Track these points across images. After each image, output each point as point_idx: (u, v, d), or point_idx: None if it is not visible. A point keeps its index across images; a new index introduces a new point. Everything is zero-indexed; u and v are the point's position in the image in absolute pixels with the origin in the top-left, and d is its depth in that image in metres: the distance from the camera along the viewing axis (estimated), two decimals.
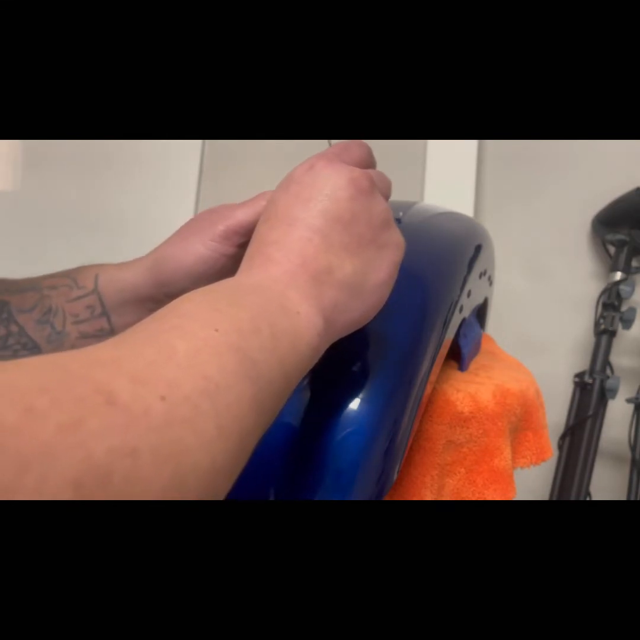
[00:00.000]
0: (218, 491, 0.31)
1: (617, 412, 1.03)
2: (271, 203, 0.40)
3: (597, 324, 1.00)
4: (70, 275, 0.53)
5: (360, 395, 0.52)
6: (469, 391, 0.63)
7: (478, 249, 0.69)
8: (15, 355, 0.68)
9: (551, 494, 0.98)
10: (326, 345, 0.40)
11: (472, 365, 0.73)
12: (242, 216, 0.48)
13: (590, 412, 0.95)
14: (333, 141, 0.55)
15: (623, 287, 0.98)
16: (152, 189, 1.62)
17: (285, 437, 0.52)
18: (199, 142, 1.48)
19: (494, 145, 1.18)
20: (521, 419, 0.68)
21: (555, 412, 1.00)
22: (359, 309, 0.40)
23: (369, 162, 0.47)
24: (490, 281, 0.81)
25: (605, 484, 1.08)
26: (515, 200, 1.17)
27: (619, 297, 0.99)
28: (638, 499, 0.95)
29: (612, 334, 0.98)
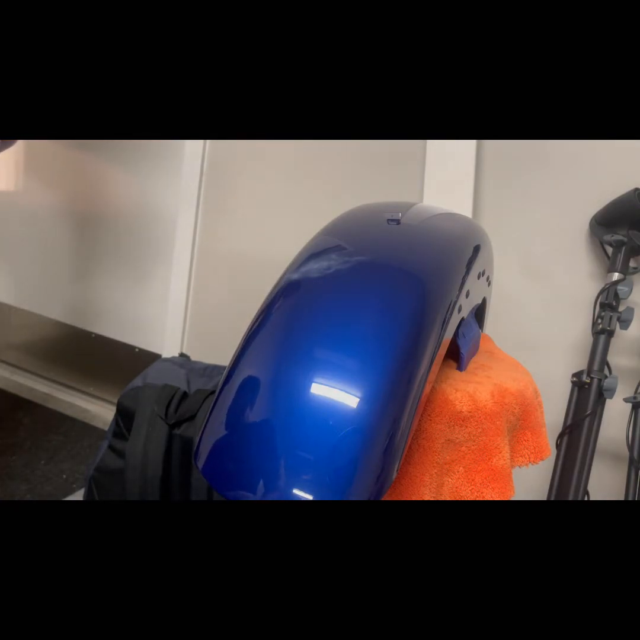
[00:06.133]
0: None
1: (615, 411, 1.04)
2: None
3: (594, 324, 1.01)
4: None
5: (360, 394, 0.53)
6: (467, 390, 0.64)
7: (476, 249, 0.70)
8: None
9: (549, 493, 0.98)
10: None
11: (471, 365, 0.73)
12: None
13: (588, 412, 0.96)
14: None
15: (621, 288, 0.98)
16: (152, 189, 1.62)
17: (284, 435, 0.52)
18: (199, 142, 1.48)
19: (492, 146, 1.18)
20: (520, 418, 0.68)
21: (553, 411, 1.00)
22: None
23: None
24: (489, 281, 0.81)
25: (603, 483, 1.09)
26: (513, 201, 1.17)
27: (617, 298, 0.99)
28: (636, 498, 0.95)
29: (610, 333, 0.99)
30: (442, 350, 0.60)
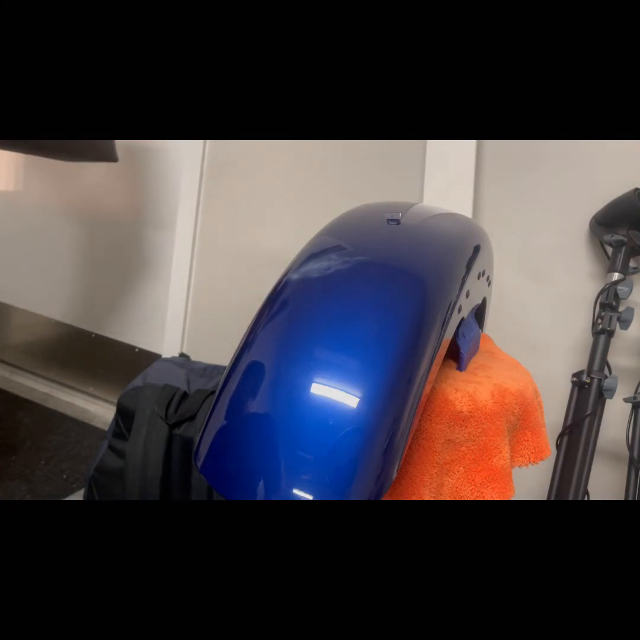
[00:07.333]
0: None
1: (615, 411, 1.04)
2: None
3: (594, 324, 1.01)
4: None
5: (360, 394, 0.53)
6: (467, 390, 0.64)
7: (476, 249, 0.70)
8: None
9: (549, 493, 0.98)
10: None
11: (471, 365, 0.73)
12: None
13: (588, 412, 0.96)
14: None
15: (621, 288, 0.98)
16: (152, 188, 1.62)
17: (284, 435, 0.52)
18: (199, 142, 1.48)
19: (492, 146, 1.18)
20: (520, 418, 0.68)
21: (553, 411, 1.01)
22: None
23: None
24: (489, 281, 0.81)
25: (603, 483, 1.09)
26: (513, 201, 1.17)
27: (617, 298, 0.99)
28: (636, 498, 0.95)
29: (610, 334, 0.99)
30: (442, 350, 0.60)
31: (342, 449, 0.51)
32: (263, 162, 1.43)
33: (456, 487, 0.62)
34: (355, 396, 0.52)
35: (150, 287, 1.65)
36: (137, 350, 1.69)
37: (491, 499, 0.62)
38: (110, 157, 1.26)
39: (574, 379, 1.00)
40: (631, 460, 0.96)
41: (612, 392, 0.96)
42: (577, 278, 1.12)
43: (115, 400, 0.90)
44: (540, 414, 0.72)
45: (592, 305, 1.05)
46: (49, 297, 1.85)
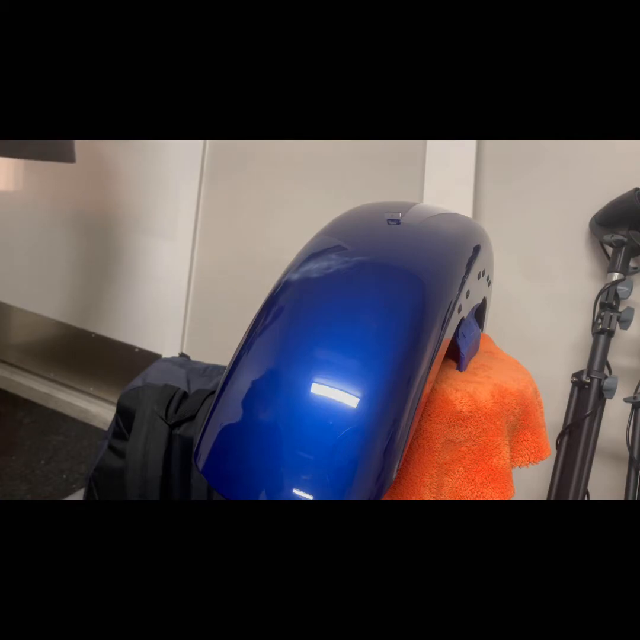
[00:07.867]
0: None
1: (615, 411, 1.04)
2: None
3: (594, 323, 1.01)
4: None
5: (360, 394, 0.53)
6: (467, 390, 0.64)
7: (477, 249, 0.70)
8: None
9: (549, 493, 0.98)
10: None
11: (471, 365, 0.73)
12: None
13: (588, 412, 0.96)
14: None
15: (621, 288, 0.98)
16: (152, 188, 1.62)
17: (284, 435, 0.52)
18: (199, 142, 1.48)
19: (492, 146, 1.18)
20: (520, 418, 0.68)
21: (553, 411, 1.01)
22: None
23: None
24: (489, 281, 0.81)
25: (603, 483, 1.09)
26: (513, 201, 1.17)
27: (617, 298, 0.99)
28: (636, 498, 0.95)
29: (610, 334, 0.99)
30: (442, 350, 0.60)
31: (342, 449, 0.51)
32: (263, 162, 1.43)
33: (456, 487, 0.62)
34: (355, 396, 0.52)
35: (151, 287, 1.65)
36: (137, 350, 1.69)
37: (491, 499, 0.62)
38: (69, 157, 1.28)
39: (574, 379, 1.00)
40: (631, 460, 0.96)
41: (612, 392, 0.96)
42: (578, 278, 1.12)
43: (115, 400, 0.90)
44: (540, 414, 0.72)
45: (592, 305, 1.05)
46: (49, 297, 1.85)
